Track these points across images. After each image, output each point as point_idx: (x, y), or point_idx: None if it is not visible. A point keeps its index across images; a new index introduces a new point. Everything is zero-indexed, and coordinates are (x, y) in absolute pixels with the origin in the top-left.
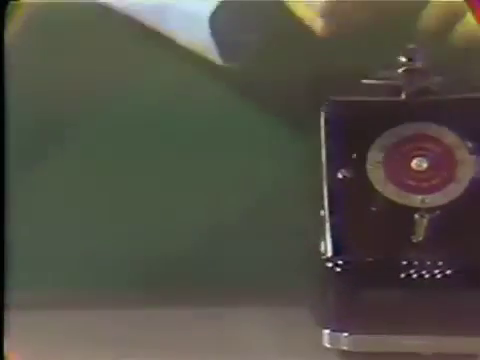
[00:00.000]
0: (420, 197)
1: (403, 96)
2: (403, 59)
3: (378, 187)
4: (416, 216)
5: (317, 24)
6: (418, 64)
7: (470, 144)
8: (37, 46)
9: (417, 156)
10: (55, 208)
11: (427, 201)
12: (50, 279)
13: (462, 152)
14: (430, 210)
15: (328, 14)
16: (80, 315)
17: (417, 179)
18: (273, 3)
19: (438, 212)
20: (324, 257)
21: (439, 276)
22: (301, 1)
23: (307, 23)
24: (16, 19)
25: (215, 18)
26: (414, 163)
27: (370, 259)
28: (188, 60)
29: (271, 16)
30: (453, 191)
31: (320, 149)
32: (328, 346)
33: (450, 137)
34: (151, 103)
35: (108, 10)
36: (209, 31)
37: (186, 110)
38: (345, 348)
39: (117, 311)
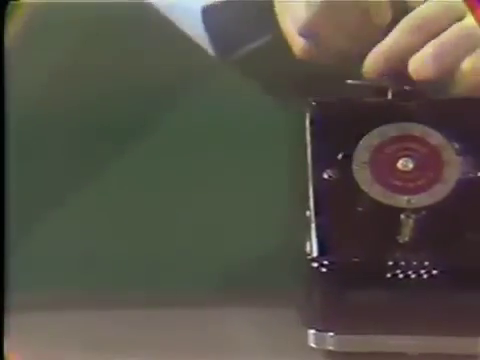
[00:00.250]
0: (406, 198)
1: (389, 97)
2: None
3: (364, 187)
4: (402, 216)
5: (296, 44)
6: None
7: (457, 145)
8: (37, 46)
9: (403, 156)
10: (55, 207)
11: (413, 202)
12: (50, 280)
13: (449, 153)
14: (416, 210)
15: (307, 34)
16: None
17: (403, 179)
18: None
19: (424, 213)
20: (310, 257)
21: (425, 276)
22: (287, 11)
23: (288, 40)
24: (16, 19)
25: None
26: (400, 163)
27: (356, 259)
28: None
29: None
30: (439, 192)
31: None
32: (314, 346)
33: (436, 138)
34: (151, 102)
35: (108, 10)
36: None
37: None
38: (331, 348)
39: (103, 312)
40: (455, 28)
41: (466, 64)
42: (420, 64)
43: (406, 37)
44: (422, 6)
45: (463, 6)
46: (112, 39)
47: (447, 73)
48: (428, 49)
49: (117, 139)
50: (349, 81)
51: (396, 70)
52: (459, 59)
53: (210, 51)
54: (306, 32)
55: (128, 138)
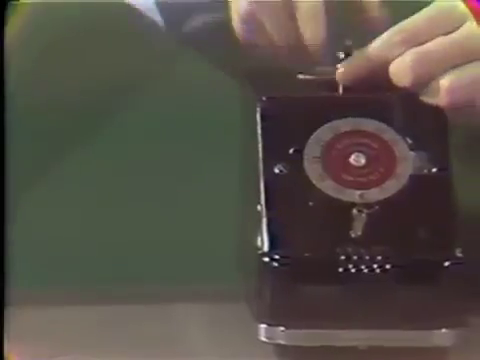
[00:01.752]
0: (358, 192)
1: (340, 92)
2: (341, 55)
3: (316, 182)
4: (354, 211)
5: (237, 28)
6: None
7: (410, 140)
8: (37, 46)
9: (355, 152)
10: (55, 206)
11: (365, 196)
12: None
13: (402, 148)
14: (368, 205)
15: (245, 21)
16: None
17: (355, 174)
18: None
19: (377, 207)
20: (261, 252)
21: (377, 271)
22: None
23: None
24: (16, 19)
25: None
26: (352, 159)
27: (307, 254)
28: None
29: None
30: (391, 187)
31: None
32: (265, 340)
33: (389, 133)
34: (151, 101)
35: (108, 9)
36: None
37: None
38: (282, 342)
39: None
40: (439, 40)
41: (445, 80)
42: (399, 70)
43: (389, 49)
44: (409, 19)
45: (452, 21)
46: (112, 39)
47: (425, 83)
48: (408, 56)
49: (118, 138)
50: (300, 76)
51: (375, 79)
52: (439, 72)
53: (160, 23)
54: (244, 18)
55: (130, 137)
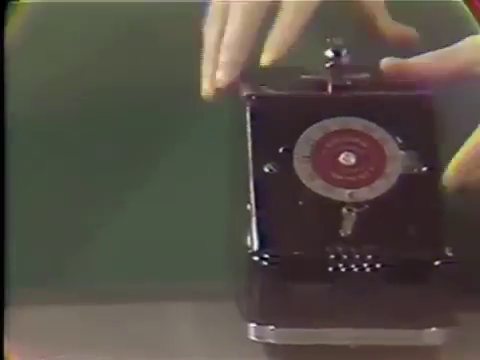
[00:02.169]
0: (348, 191)
1: (329, 91)
2: (330, 54)
3: (305, 181)
4: (344, 210)
5: None
6: (345, 59)
7: (400, 140)
8: (37, 46)
9: (345, 151)
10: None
11: (355, 195)
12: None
13: (391, 147)
14: (358, 204)
15: None
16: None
17: (345, 173)
18: None
19: (366, 206)
20: (250, 251)
21: (368, 270)
22: None
23: None
24: (16, 19)
25: None
26: (342, 158)
27: (297, 253)
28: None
29: None
30: (381, 186)
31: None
32: (254, 339)
33: (379, 132)
34: (152, 101)
35: (109, 9)
36: None
37: None
38: (271, 341)
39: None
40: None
41: None
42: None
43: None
44: None
45: None
46: (112, 38)
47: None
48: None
49: (118, 136)
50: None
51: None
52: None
53: None
54: None
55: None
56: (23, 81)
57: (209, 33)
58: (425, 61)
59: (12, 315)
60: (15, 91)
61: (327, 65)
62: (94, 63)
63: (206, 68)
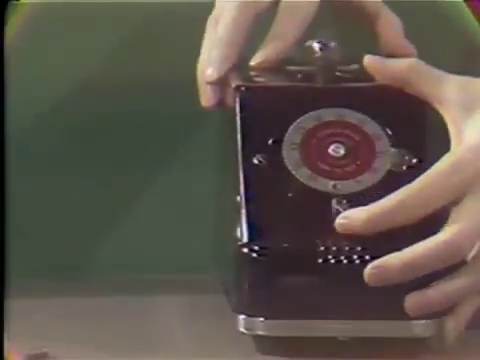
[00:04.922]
0: (332, 182)
1: (319, 82)
2: (319, 45)
3: (291, 169)
4: (334, 202)
5: None
6: (334, 51)
7: (392, 135)
8: (37, 46)
9: (336, 142)
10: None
11: (339, 187)
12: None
13: (382, 143)
14: (348, 197)
15: None
16: None
17: (332, 164)
18: None
19: (356, 199)
20: (240, 243)
21: (357, 261)
22: None
23: None
24: (16, 19)
25: None
26: (331, 149)
27: (287, 245)
28: None
29: None
30: (367, 180)
31: None
32: (244, 331)
33: (371, 126)
34: (151, 100)
35: (109, 9)
36: None
37: None
38: (261, 333)
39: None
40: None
41: None
42: None
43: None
44: None
45: None
46: (112, 39)
47: None
48: None
49: (118, 136)
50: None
51: None
52: None
53: None
54: None
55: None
56: (23, 81)
57: (205, 46)
58: (401, 66)
59: (12, 307)
60: (15, 91)
61: (316, 56)
62: (94, 63)
63: (201, 83)
